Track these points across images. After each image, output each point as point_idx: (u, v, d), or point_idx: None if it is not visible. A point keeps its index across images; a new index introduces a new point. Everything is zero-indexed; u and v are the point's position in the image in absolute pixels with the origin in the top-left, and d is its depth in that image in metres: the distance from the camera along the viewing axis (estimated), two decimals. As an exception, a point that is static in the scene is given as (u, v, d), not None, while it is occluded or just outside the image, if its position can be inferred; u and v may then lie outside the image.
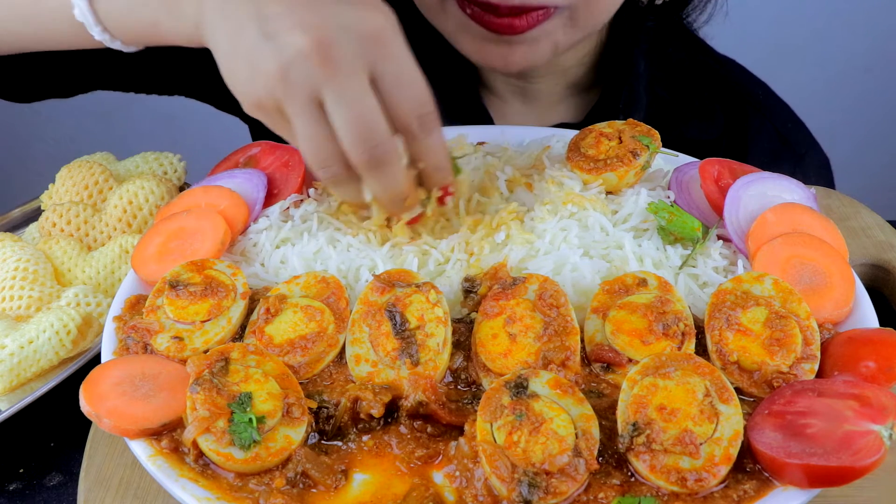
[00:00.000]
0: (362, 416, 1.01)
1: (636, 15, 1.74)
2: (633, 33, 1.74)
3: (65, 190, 1.57)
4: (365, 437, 1.02)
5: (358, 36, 1.02)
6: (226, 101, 1.89)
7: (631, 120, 1.38)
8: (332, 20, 1.02)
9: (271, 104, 1.05)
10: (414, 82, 1.06)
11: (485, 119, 1.78)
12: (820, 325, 1.09)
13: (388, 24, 1.05)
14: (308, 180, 1.37)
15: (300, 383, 1.04)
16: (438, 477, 0.97)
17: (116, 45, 1.28)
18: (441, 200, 1.22)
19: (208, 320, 1.12)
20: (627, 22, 1.73)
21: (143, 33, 1.24)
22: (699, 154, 1.42)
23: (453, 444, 0.98)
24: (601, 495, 0.91)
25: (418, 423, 1.02)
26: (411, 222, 1.23)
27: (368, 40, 1.03)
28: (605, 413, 0.99)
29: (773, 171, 1.30)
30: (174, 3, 1.15)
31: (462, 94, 1.77)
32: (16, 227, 1.67)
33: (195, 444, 0.95)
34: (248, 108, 1.08)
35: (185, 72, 1.82)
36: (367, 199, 1.15)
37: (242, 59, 1.06)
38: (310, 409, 1.01)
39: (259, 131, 1.95)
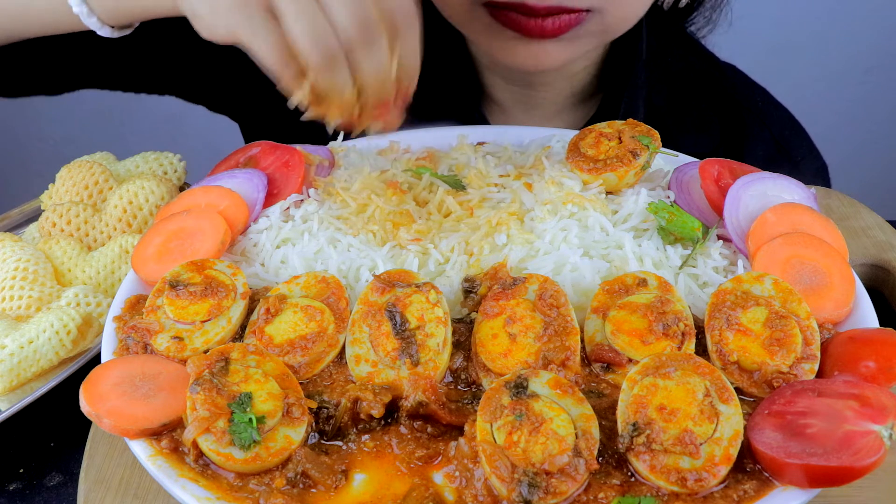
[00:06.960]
0: (362, 416, 1.01)
1: (641, 26, 1.74)
2: (637, 44, 1.74)
3: (65, 190, 1.57)
4: (365, 438, 1.02)
5: None
6: (218, 102, 1.89)
7: (631, 120, 1.38)
8: None
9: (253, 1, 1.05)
10: None
11: None
12: (820, 325, 1.09)
13: None
14: (308, 180, 1.37)
15: (300, 383, 1.04)
16: (438, 477, 0.97)
17: (105, 31, 1.31)
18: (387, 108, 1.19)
19: (208, 320, 1.12)
20: (632, 32, 1.74)
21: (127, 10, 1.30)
22: None
23: (453, 444, 0.98)
24: (601, 495, 0.91)
25: (418, 423, 1.02)
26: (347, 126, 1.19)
27: None
28: (605, 413, 0.99)
29: (770, 175, 1.30)
30: None
31: (463, 103, 1.78)
32: (16, 227, 1.67)
33: (195, 444, 0.95)
34: (220, 19, 1.07)
35: (176, 71, 1.82)
36: (348, 90, 1.12)
37: None
38: (310, 409, 1.01)
39: (251, 130, 1.96)
